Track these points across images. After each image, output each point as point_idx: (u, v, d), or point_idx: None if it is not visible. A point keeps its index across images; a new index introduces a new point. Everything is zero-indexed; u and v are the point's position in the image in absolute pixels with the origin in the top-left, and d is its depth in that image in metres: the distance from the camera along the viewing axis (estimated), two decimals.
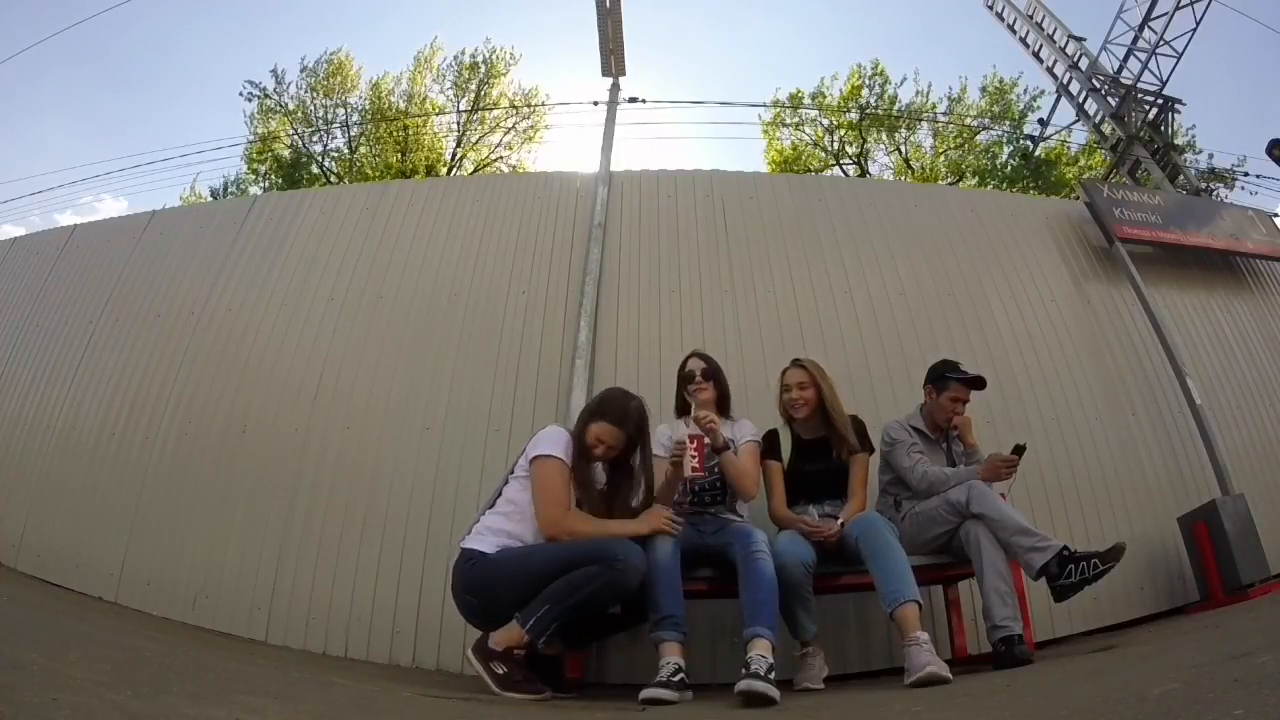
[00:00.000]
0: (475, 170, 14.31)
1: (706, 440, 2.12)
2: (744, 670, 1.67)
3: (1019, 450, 2.30)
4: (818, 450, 2.46)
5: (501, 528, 1.98)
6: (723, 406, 2.55)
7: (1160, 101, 7.69)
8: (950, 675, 1.73)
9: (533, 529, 1.98)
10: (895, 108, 14.51)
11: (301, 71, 14.36)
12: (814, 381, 2.47)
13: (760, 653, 1.73)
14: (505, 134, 14.74)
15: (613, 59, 5.51)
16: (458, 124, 14.58)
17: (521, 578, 1.86)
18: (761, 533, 2.06)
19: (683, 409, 2.58)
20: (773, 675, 1.67)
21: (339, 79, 14.41)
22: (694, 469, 2.08)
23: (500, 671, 1.80)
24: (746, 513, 2.41)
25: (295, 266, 3.89)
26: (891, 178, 14.01)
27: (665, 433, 2.52)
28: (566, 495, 2.01)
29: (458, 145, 14.68)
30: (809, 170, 14.39)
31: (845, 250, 3.90)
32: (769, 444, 2.50)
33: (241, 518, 3.11)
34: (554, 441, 2.05)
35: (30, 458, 3.57)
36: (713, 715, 1.64)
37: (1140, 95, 7.79)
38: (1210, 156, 12.76)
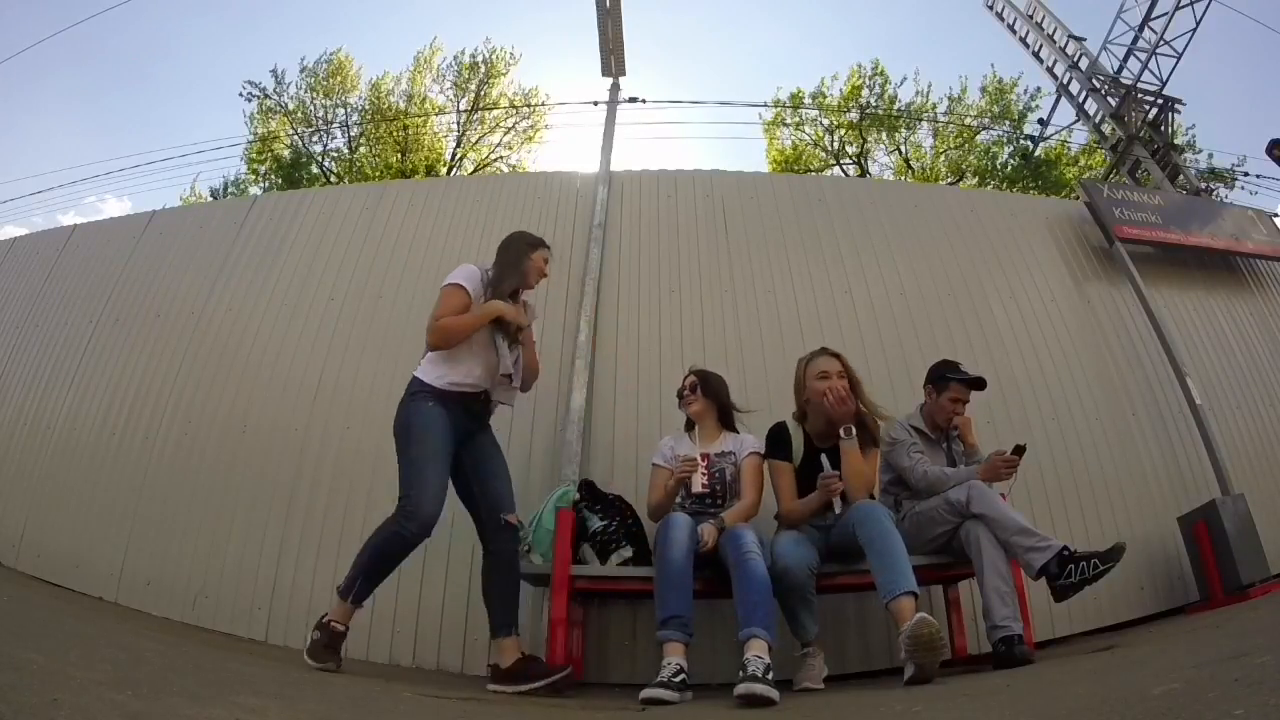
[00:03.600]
0: (475, 170, 14.30)
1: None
2: (741, 673, 1.67)
3: (1019, 450, 2.30)
4: (835, 449, 2.29)
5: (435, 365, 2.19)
6: (723, 418, 2.54)
7: (1160, 101, 7.68)
8: (935, 622, 1.74)
9: (464, 367, 2.17)
10: (895, 108, 14.50)
11: (301, 72, 14.36)
12: (847, 370, 2.33)
13: (757, 654, 1.72)
14: (505, 134, 14.74)
15: (613, 59, 5.51)
16: (457, 124, 14.57)
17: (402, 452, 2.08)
18: (752, 533, 2.05)
19: (688, 425, 2.57)
20: (770, 675, 1.67)
21: (339, 79, 14.40)
22: (703, 485, 2.27)
23: (314, 637, 2.03)
24: None
25: (295, 266, 3.89)
26: (891, 178, 13.99)
27: (668, 444, 2.53)
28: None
29: (457, 145, 14.68)
30: (809, 170, 14.37)
31: (845, 250, 3.90)
32: (777, 441, 2.38)
33: (241, 518, 3.11)
34: (462, 272, 2.21)
35: (30, 458, 3.57)
36: (713, 716, 1.64)
37: (1140, 95, 7.78)
38: (1210, 156, 12.75)
